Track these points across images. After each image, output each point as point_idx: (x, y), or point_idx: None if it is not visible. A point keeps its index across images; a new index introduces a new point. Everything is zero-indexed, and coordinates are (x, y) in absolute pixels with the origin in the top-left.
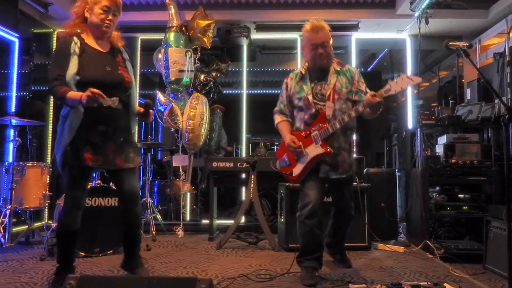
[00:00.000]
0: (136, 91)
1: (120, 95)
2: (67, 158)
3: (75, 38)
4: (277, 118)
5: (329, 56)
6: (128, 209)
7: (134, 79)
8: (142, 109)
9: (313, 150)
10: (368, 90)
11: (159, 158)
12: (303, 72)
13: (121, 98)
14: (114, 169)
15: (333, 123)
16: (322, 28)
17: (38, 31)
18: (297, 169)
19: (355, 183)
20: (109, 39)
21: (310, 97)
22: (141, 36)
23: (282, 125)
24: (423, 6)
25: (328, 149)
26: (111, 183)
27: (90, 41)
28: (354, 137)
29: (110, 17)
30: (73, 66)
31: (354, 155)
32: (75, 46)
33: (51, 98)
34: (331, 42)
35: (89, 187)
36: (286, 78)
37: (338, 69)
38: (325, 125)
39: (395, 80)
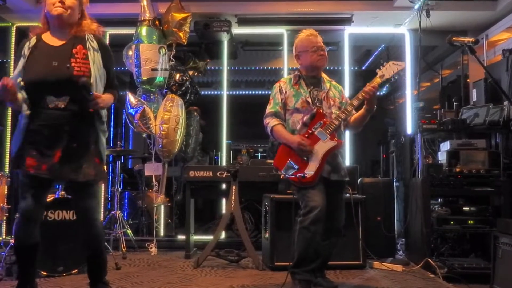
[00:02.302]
0: (97, 83)
1: (74, 93)
2: (12, 164)
3: (33, 38)
4: (272, 122)
5: (327, 59)
6: (84, 231)
7: (105, 73)
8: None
9: (323, 146)
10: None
11: (129, 167)
12: (298, 76)
13: (75, 96)
14: (61, 180)
15: (337, 115)
16: (317, 34)
17: None
18: (311, 169)
19: (347, 195)
20: (76, 28)
21: (309, 100)
22: (110, 31)
23: (279, 128)
24: None
25: (340, 140)
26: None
27: (47, 36)
28: (347, 143)
29: None
30: (17, 70)
31: (347, 163)
32: (26, 48)
33: None
34: None
35: (51, 199)
36: (278, 82)
37: (329, 80)
38: (327, 120)
39: (383, 68)
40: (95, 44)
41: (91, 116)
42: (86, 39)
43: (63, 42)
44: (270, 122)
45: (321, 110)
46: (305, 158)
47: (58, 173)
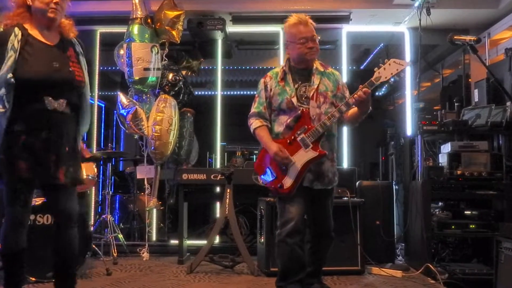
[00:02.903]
0: (88, 91)
1: (70, 96)
2: (1, 168)
3: (16, 29)
4: (255, 123)
5: (318, 51)
6: (60, 233)
7: (88, 77)
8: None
9: (304, 156)
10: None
11: (121, 169)
12: (285, 70)
13: (71, 99)
14: (54, 183)
15: (322, 122)
16: (308, 21)
17: None
18: (288, 180)
19: (345, 198)
20: (59, 28)
21: (294, 100)
22: (100, 29)
23: (262, 131)
24: None
25: (322, 151)
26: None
27: (34, 32)
28: (345, 144)
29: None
30: (7, 65)
31: (345, 166)
32: (14, 40)
33: None
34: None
35: (39, 202)
36: (264, 78)
37: (322, 70)
38: (312, 126)
39: (382, 66)
40: (80, 49)
41: (76, 119)
42: (74, 42)
43: (55, 42)
44: (253, 124)
45: (307, 111)
46: (284, 167)
47: (54, 177)
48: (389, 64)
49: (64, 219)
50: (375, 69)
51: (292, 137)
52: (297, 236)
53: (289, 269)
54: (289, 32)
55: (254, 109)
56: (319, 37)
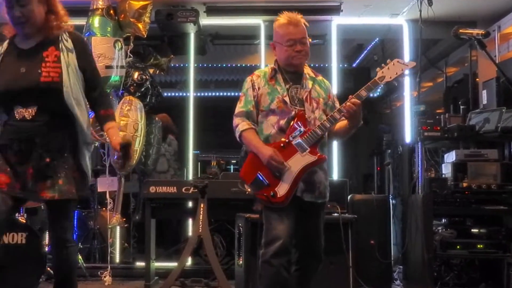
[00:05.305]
0: (72, 90)
1: (45, 102)
2: None
3: (6, 41)
4: (242, 124)
5: (308, 55)
6: (54, 252)
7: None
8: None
9: (301, 160)
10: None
11: None
12: (276, 69)
13: (47, 105)
14: (36, 200)
15: (321, 124)
16: (300, 21)
17: None
18: (283, 188)
19: (335, 214)
20: (43, 31)
21: (287, 99)
22: None
23: (250, 134)
24: None
25: (322, 155)
26: (18, 214)
27: (17, 40)
28: (335, 153)
29: (17, 13)
30: None
31: (336, 177)
32: (1, 51)
33: None
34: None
35: None
36: (250, 76)
37: (313, 75)
38: (309, 128)
39: (385, 66)
40: (69, 44)
41: (67, 127)
42: (60, 39)
43: (33, 45)
44: (240, 125)
45: (303, 113)
46: (277, 174)
47: (32, 192)
48: (393, 64)
49: (54, 238)
50: (378, 69)
51: (287, 141)
52: (284, 257)
53: None
54: (277, 32)
55: (240, 108)
56: (310, 39)
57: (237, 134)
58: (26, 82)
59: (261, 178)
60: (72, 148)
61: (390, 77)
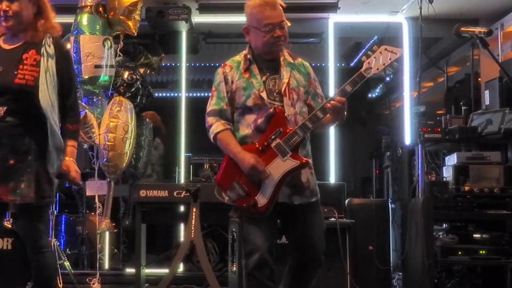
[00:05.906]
0: (46, 95)
1: (18, 103)
2: None
3: None
4: (216, 125)
5: (287, 40)
6: (31, 260)
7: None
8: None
9: (281, 166)
10: (323, 95)
11: (67, 185)
12: (250, 59)
13: (19, 106)
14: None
15: (303, 125)
16: (277, 2)
17: None
18: (263, 198)
19: (332, 219)
20: (31, 32)
21: (264, 95)
22: None
23: (227, 137)
24: None
25: (304, 159)
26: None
27: (3, 38)
28: (333, 156)
29: (4, 7)
30: None
31: (332, 181)
32: None
33: None
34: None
35: None
36: (221, 67)
37: (291, 61)
38: (289, 129)
39: (372, 56)
40: (51, 50)
41: (37, 131)
42: (43, 43)
43: (15, 46)
44: (214, 126)
45: (281, 110)
46: (255, 182)
47: None
48: (380, 53)
49: (27, 243)
50: (363, 58)
51: (265, 143)
52: (266, 269)
53: None
54: (252, 14)
55: (212, 106)
56: (289, 24)
57: (211, 136)
58: (1, 82)
59: (238, 185)
60: (41, 152)
61: (378, 69)
